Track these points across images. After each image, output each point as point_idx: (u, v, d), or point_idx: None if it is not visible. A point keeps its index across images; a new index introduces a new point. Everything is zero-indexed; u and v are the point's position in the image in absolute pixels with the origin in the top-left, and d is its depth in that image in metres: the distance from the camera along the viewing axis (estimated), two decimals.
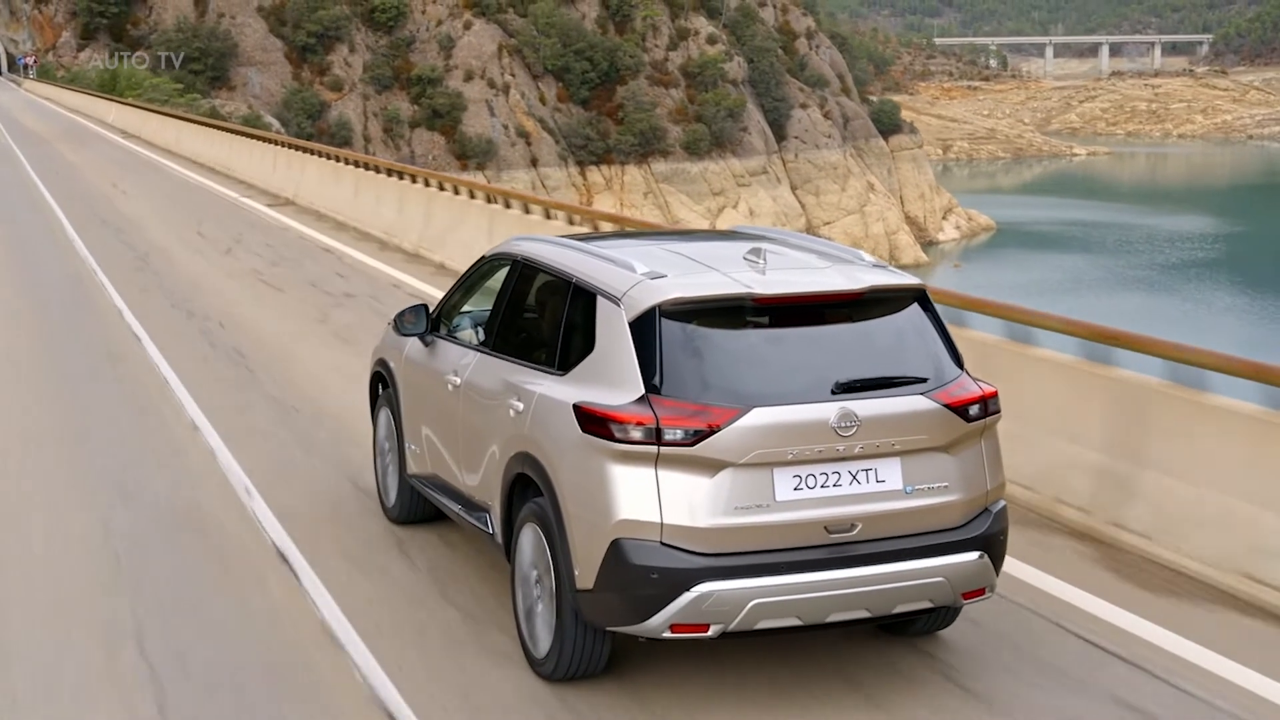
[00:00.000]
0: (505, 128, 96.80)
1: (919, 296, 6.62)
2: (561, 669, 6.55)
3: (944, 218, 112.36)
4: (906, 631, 7.12)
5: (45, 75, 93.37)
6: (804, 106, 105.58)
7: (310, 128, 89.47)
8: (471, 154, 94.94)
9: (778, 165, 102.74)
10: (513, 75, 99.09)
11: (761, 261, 6.52)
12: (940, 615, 6.94)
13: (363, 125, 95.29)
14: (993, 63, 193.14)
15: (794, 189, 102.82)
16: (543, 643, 6.64)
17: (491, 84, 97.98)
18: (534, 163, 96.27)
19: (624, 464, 6.07)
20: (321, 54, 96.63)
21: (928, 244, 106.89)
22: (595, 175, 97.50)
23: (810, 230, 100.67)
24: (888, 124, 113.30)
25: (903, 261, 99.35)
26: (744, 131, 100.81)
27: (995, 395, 6.56)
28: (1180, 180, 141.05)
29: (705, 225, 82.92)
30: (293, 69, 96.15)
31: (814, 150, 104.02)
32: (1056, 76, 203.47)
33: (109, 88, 78.14)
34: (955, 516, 6.35)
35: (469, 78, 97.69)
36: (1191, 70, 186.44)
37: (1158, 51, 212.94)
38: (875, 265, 6.79)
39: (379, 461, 9.15)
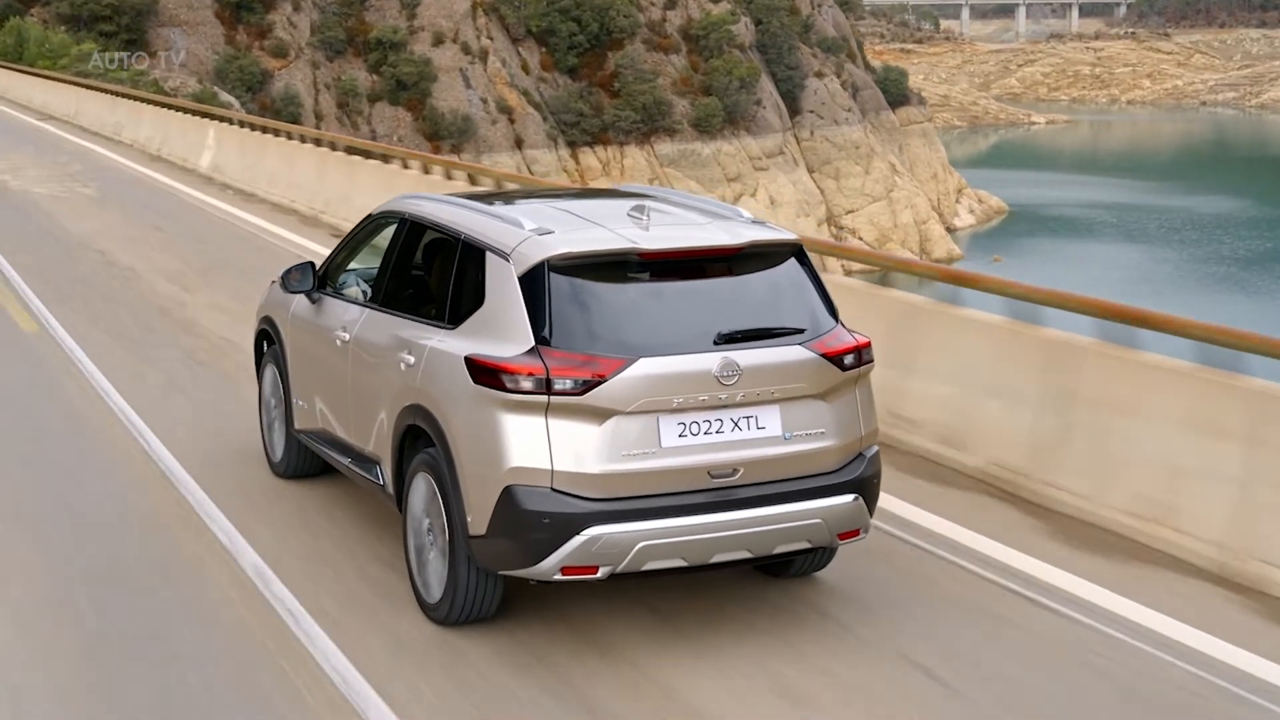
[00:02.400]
0: (484, 101, 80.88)
1: (796, 251, 6.92)
2: (455, 614, 6.77)
3: (957, 200, 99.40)
4: (784, 574, 7.48)
5: None
6: (819, 75, 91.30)
7: (251, 102, 72.80)
8: (445, 133, 78.93)
9: (792, 145, 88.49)
10: (490, 38, 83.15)
11: (645, 218, 6.80)
12: (817, 557, 7.29)
13: (313, 99, 78.62)
14: (923, 24, 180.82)
15: (810, 172, 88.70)
16: (435, 589, 6.86)
17: (466, 49, 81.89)
18: (519, 144, 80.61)
19: (515, 413, 6.29)
20: (260, 12, 79.50)
21: (947, 231, 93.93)
22: (590, 158, 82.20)
23: (831, 220, 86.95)
24: (894, 94, 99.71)
25: (935, 256, 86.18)
26: (758, 105, 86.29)
27: (869, 345, 6.85)
28: (1165, 151, 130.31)
29: None
30: (225, 31, 78.96)
31: (832, 126, 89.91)
32: (972, 39, 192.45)
33: (13, 57, 60.75)
34: (831, 461, 6.67)
35: (438, 41, 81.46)
36: (1134, 33, 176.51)
37: (1075, 13, 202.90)
38: (754, 222, 7.10)
39: (265, 418, 9.28)
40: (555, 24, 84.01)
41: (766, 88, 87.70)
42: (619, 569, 6.34)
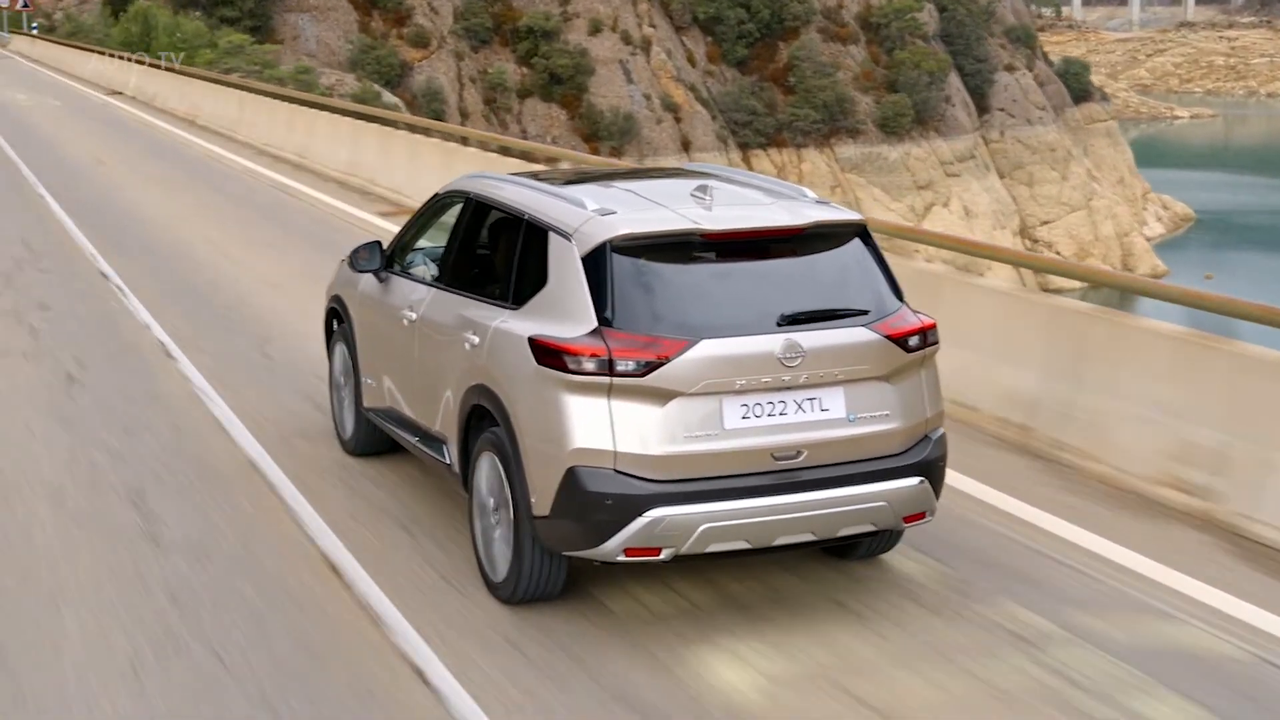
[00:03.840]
0: (647, 98, 71.61)
1: (860, 232, 6.84)
2: (519, 593, 6.75)
3: (1143, 207, 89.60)
4: (851, 556, 7.28)
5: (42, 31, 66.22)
6: (1010, 69, 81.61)
7: (390, 96, 63.86)
8: (605, 133, 69.74)
9: (981, 147, 78.90)
10: (653, 26, 73.88)
11: (708, 198, 6.74)
12: (883, 539, 7.15)
13: (458, 94, 69.58)
14: (1045, 11, 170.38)
15: (1001, 177, 79.09)
16: (500, 568, 6.85)
17: (626, 38, 72.64)
18: (685, 145, 71.35)
19: (578, 394, 6.27)
20: None
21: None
22: (763, 161, 72.72)
23: (1024, 232, 77.36)
24: (1075, 88, 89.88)
25: (1139, 272, 76.50)
26: (947, 103, 76.75)
27: (934, 327, 6.75)
28: None
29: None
30: (359, 18, 70.11)
31: (1025, 127, 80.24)
32: (1093, 27, 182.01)
33: (139, 47, 51.84)
34: (896, 443, 6.58)
35: (595, 30, 72.27)
36: (1269, 21, 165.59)
37: (1190, 0, 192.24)
38: (818, 202, 7.06)
39: (335, 396, 9.36)
40: (722, 10, 74.71)
41: (954, 83, 78.17)
42: (682, 551, 6.29)
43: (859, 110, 74.36)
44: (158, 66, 39.03)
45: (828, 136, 74.03)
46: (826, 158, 73.97)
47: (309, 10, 69.24)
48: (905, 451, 6.57)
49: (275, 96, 29.01)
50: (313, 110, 25.99)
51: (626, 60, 72.11)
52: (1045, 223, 78.31)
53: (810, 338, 6.31)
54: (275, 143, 26.13)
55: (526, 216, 6.96)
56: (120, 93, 39.60)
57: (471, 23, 71.56)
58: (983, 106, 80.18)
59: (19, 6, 67.60)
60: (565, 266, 6.51)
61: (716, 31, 75.34)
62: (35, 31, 64.27)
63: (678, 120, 71.98)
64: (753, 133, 73.39)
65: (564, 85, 70.93)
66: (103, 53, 45.25)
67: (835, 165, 73.96)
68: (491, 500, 6.87)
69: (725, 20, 74.87)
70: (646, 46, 72.95)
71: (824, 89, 73.54)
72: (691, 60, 74.78)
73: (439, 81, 68.75)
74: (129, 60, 41.03)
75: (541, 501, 6.38)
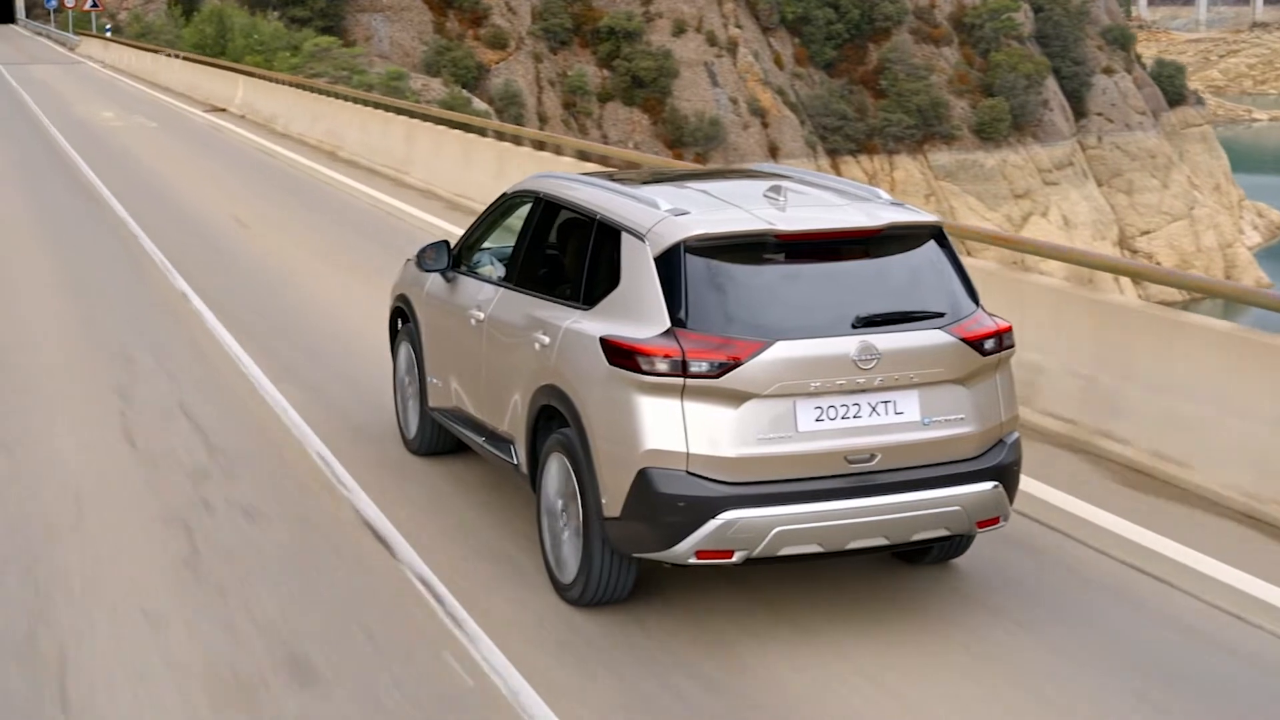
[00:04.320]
0: (733, 102, 68.49)
1: (936, 234, 6.69)
2: (588, 595, 6.65)
3: (1239, 215, 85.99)
4: (921, 561, 7.21)
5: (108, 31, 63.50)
6: (1108, 72, 78.05)
7: (479, 103, 60.94)
8: (689, 139, 66.75)
9: (1079, 153, 75.44)
10: (739, 27, 70.72)
11: (782, 199, 6.62)
12: (954, 544, 7.03)
13: (536, 97, 66.60)
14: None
15: (1099, 184, 75.61)
16: (569, 569, 6.76)
17: (711, 39, 69.54)
18: (773, 152, 68.18)
19: (650, 395, 6.17)
20: None
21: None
22: (854, 168, 69.45)
23: (1123, 243, 73.84)
24: (1169, 91, 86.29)
25: (1243, 283, 73.01)
26: (1045, 108, 73.31)
27: (1010, 330, 6.64)
28: None
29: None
30: (434, 18, 67.32)
31: (1124, 132, 76.71)
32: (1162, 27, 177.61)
33: (213, 50, 49.05)
34: (971, 447, 6.45)
35: (679, 31, 69.22)
36: None
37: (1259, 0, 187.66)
38: (893, 203, 6.88)
39: (399, 395, 9.24)
40: (810, 10, 71.48)
41: (1051, 87, 74.72)
42: (754, 554, 6.16)
43: (954, 115, 71.05)
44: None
45: (921, 142, 70.77)
46: (920, 165, 70.72)
47: (382, 10, 66.48)
48: (980, 455, 6.46)
49: (467, 127, 21.64)
50: (539, 151, 19.24)
51: (711, 62, 69.06)
52: (1145, 233, 74.82)
53: (885, 340, 6.22)
54: (475, 194, 18.68)
55: (599, 216, 6.86)
56: (224, 109, 33.68)
57: (550, 23, 68.61)
58: (1079, 111, 76.72)
59: (86, 7, 64.94)
60: (638, 267, 6.43)
61: (804, 32, 72.17)
62: (109, 34, 61.53)
63: (765, 125, 68.89)
64: (842, 138, 70.19)
65: (646, 88, 67.95)
66: (191, 59, 42.11)
67: (929, 172, 70.70)
68: (560, 502, 6.81)
69: (813, 20, 71.72)
70: (732, 48, 69.84)
71: (917, 93, 70.28)
72: (779, 62, 71.60)
73: (517, 84, 65.86)
74: (229, 69, 37.62)
75: (612, 503, 6.31)
